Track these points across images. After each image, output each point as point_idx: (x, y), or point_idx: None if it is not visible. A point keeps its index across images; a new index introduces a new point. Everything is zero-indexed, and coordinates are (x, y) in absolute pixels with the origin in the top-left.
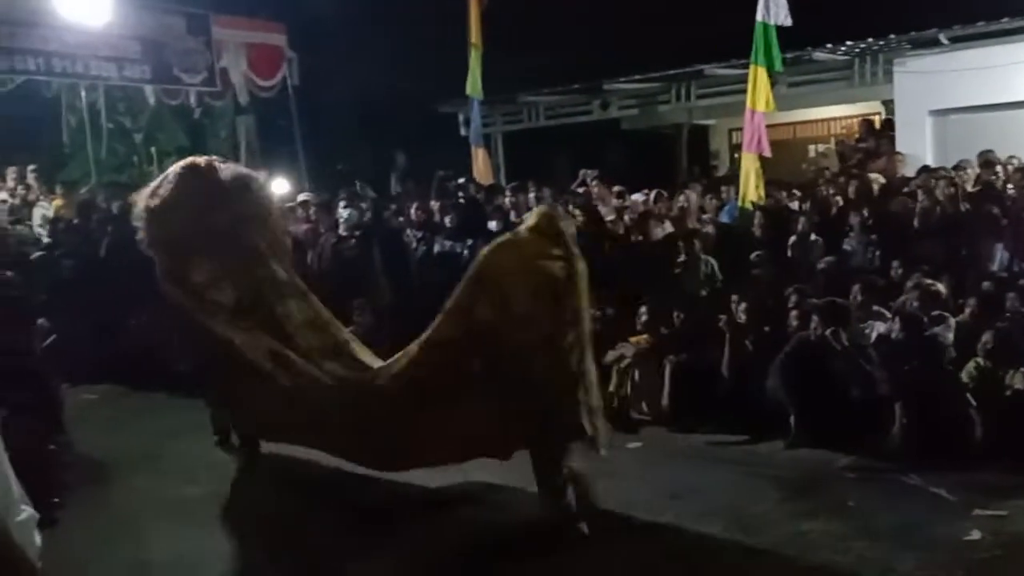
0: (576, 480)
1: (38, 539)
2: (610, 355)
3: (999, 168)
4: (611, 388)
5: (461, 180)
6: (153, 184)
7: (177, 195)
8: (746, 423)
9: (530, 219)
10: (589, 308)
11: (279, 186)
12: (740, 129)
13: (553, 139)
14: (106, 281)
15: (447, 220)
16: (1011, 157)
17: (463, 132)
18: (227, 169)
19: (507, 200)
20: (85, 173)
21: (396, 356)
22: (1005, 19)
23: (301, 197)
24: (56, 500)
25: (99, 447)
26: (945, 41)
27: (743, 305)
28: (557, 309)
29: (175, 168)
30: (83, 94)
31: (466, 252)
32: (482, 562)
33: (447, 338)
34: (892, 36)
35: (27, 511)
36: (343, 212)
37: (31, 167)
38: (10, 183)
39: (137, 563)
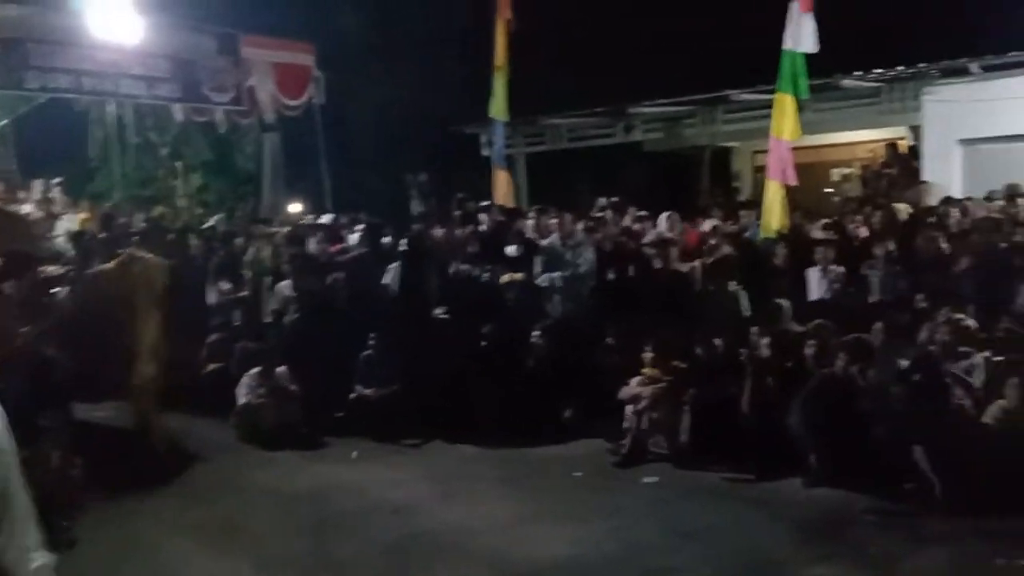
0: None
1: None
2: (624, 392)
3: (1021, 200)
4: (626, 425)
5: (484, 204)
6: None
7: None
8: (765, 461)
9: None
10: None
11: (293, 206)
12: (763, 152)
13: (576, 160)
14: None
15: (468, 245)
16: None
17: (485, 153)
18: None
19: (529, 224)
20: (111, 187)
21: None
22: None
23: (323, 219)
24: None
25: None
26: (976, 70)
27: (765, 339)
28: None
29: None
30: (110, 108)
31: (486, 277)
32: None
33: None
34: (922, 64)
35: (42, 558)
36: (354, 237)
37: (56, 180)
38: (36, 196)
39: None
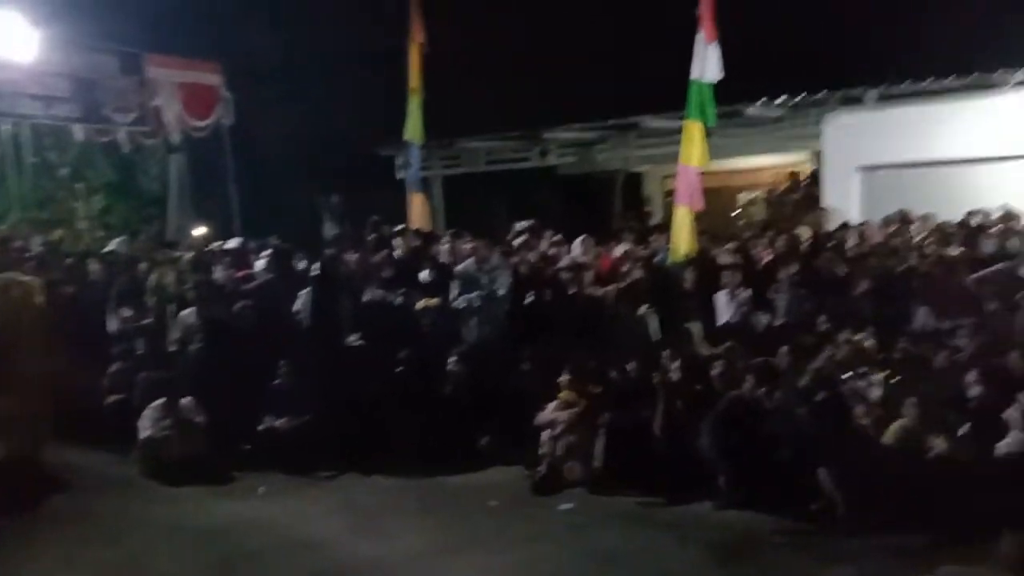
0: None
1: None
2: (541, 417)
3: (915, 225)
4: (542, 451)
5: (398, 228)
6: None
7: None
8: (678, 484)
9: None
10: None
11: (200, 230)
12: (672, 176)
13: (493, 183)
14: None
15: (383, 270)
16: (928, 215)
17: (401, 175)
18: None
19: (444, 248)
20: (7, 209)
21: None
22: (931, 79)
23: (230, 244)
24: None
25: None
26: (872, 99)
27: (676, 363)
28: None
29: None
30: (5, 127)
31: (400, 302)
32: None
33: None
34: (822, 93)
35: None
36: (261, 262)
37: None
38: None
39: None
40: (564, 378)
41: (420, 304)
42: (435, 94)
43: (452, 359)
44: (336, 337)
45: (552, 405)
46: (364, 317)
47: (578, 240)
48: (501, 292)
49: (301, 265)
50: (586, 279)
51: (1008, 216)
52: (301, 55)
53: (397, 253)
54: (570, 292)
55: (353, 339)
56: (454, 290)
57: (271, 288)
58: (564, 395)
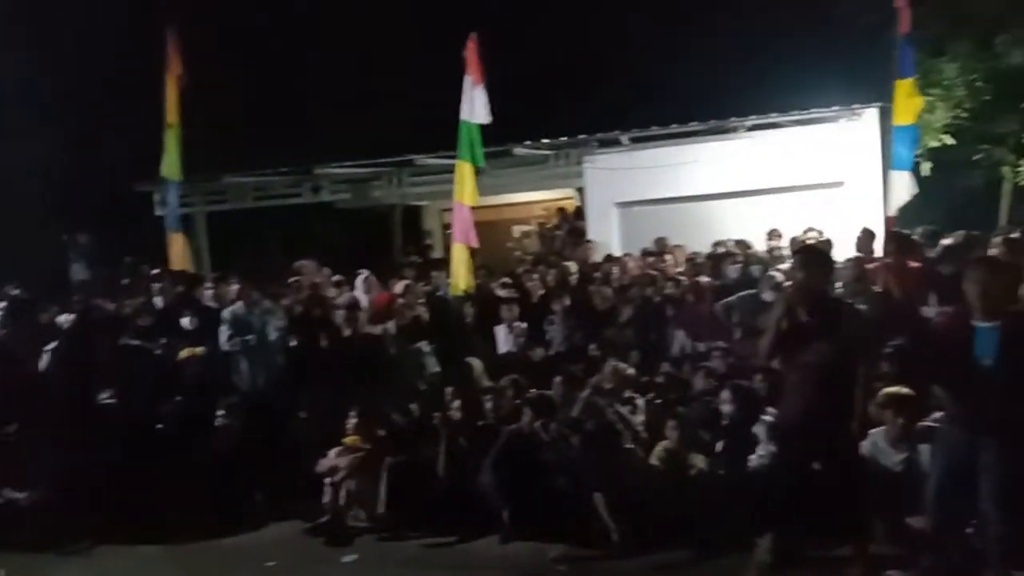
0: None
1: None
2: (321, 465)
3: (669, 256)
4: (324, 500)
5: (156, 271)
6: None
7: None
8: (464, 522)
9: None
10: None
11: None
12: (450, 210)
13: (263, 218)
14: None
15: (140, 317)
16: (679, 246)
17: (160, 212)
18: None
19: (208, 292)
20: None
21: None
22: (674, 125)
23: None
24: None
25: None
26: (626, 141)
27: (457, 400)
28: None
29: None
30: None
31: (159, 352)
32: None
33: None
34: (582, 135)
35: None
36: None
37: None
38: None
39: None
40: (348, 422)
41: (183, 353)
42: (201, 129)
43: (221, 411)
44: (87, 395)
45: (333, 451)
46: (119, 371)
47: (359, 278)
48: (274, 336)
49: (44, 315)
50: (366, 317)
51: (744, 245)
52: (50, 88)
53: (156, 298)
54: (349, 332)
55: (106, 396)
56: (222, 336)
57: (9, 343)
58: (346, 440)
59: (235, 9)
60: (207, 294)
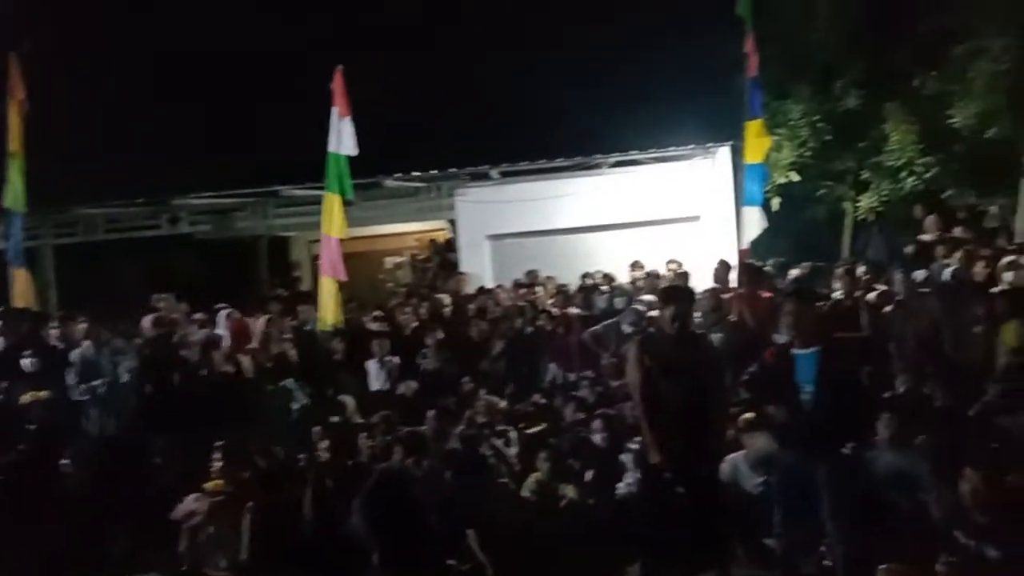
0: None
1: None
2: (178, 511)
3: (540, 288)
4: (182, 548)
5: None
6: None
7: None
8: (332, 566)
9: None
10: None
11: None
12: (319, 241)
13: (118, 251)
14: None
15: None
16: (549, 277)
17: (0, 246)
18: None
19: (54, 332)
20: None
21: None
22: (542, 160)
23: None
24: None
25: None
26: (496, 175)
27: (326, 439)
28: None
29: None
30: None
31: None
32: None
33: None
34: (452, 169)
35: None
36: None
37: None
38: None
39: None
40: (212, 465)
41: (26, 397)
42: (48, 157)
43: (67, 459)
44: None
45: (191, 496)
46: None
47: (220, 313)
48: (126, 377)
49: None
50: (228, 355)
51: (609, 278)
52: None
53: None
54: (208, 371)
55: None
56: (71, 381)
57: None
58: (210, 484)
59: (86, 31)
60: (53, 334)
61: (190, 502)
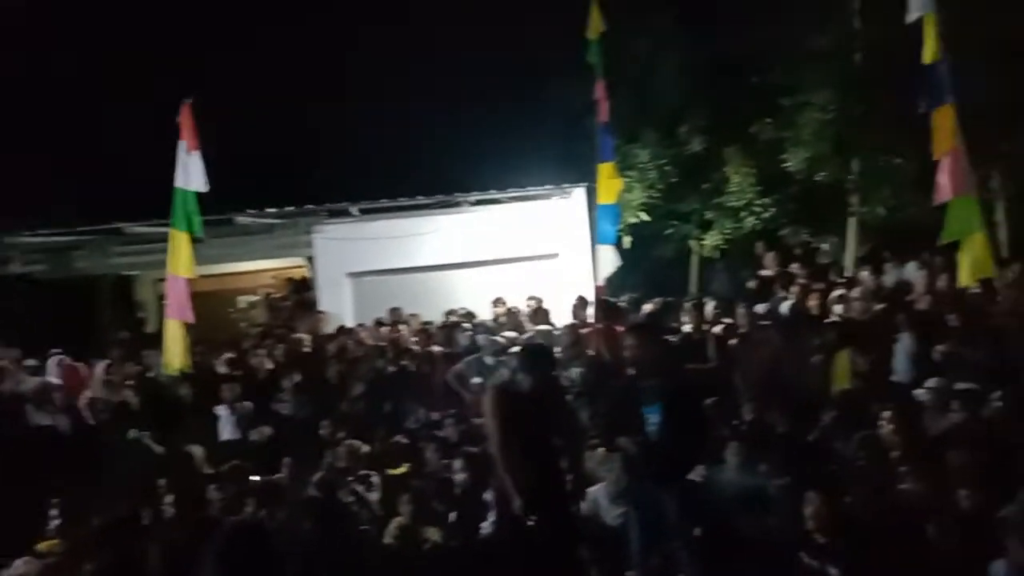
0: None
1: None
2: None
3: (403, 327)
4: None
5: None
6: None
7: None
8: None
9: None
10: None
11: None
12: (165, 280)
13: None
14: None
15: None
16: (413, 315)
17: None
18: None
19: None
20: None
21: None
22: (403, 198)
23: None
24: None
25: None
26: (355, 212)
27: (172, 494)
28: None
29: None
30: None
31: None
32: None
33: None
34: (310, 205)
35: None
36: None
37: None
38: None
39: None
40: (46, 525)
41: None
42: None
43: None
44: None
45: (20, 560)
46: None
47: (51, 359)
48: None
49: None
50: (62, 404)
51: (471, 315)
52: None
53: None
54: (43, 422)
55: None
56: None
57: None
58: (41, 545)
59: None
60: None
61: (19, 566)
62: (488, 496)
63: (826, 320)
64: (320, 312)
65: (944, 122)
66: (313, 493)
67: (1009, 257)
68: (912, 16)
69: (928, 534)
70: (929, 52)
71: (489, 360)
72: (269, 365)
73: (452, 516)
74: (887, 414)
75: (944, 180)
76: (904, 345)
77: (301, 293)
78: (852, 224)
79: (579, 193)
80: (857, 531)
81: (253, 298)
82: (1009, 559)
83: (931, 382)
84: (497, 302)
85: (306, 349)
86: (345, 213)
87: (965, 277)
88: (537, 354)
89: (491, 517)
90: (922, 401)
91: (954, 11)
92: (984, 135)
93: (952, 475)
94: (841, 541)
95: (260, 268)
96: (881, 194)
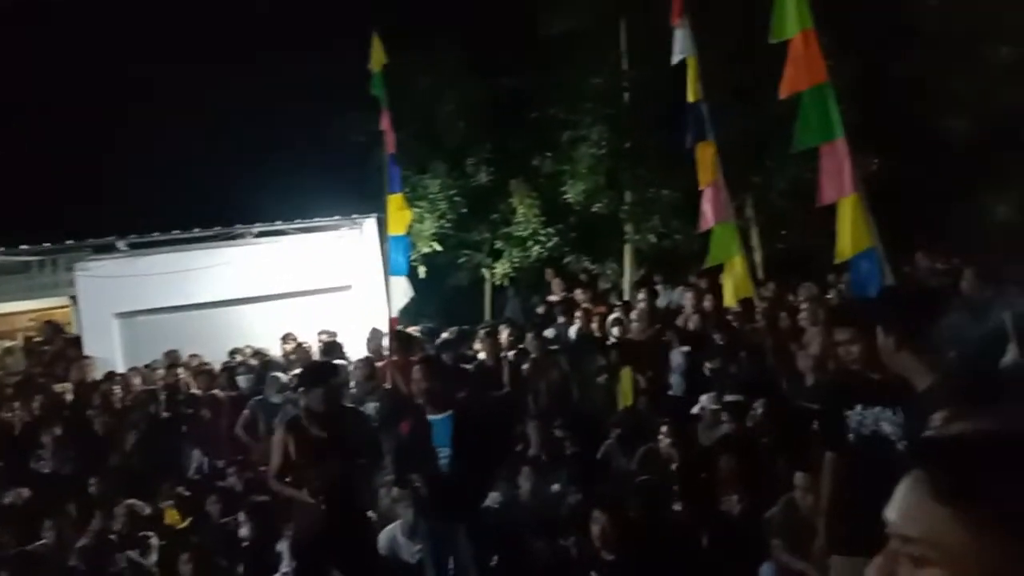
0: None
1: None
2: None
3: (182, 369)
4: None
5: None
6: None
7: None
8: None
9: None
10: None
11: None
12: None
13: None
14: None
15: None
16: (194, 355)
17: None
18: None
19: None
20: None
21: None
22: (177, 231)
23: None
24: None
25: None
26: (124, 247)
27: None
28: None
29: None
30: None
31: None
32: None
33: None
34: (71, 241)
35: None
36: None
37: None
38: None
39: None
40: None
41: None
42: None
43: None
44: None
45: None
46: None
47: None
48: None
49: None
50: None
51: (261, 353)
52: None
53: None
54: None
55: None
56: None
57: None
58: None
59: None
60: None
61: None
62: (281, 546)
63: (607, 342)
64: (85, 357)
65: (706, 156)
66: (76, 563)
67: (764, 278)
68: (676, 58)
69: (702, 542)
70: (691, 92)
71: (276, 399)
72: (26, 419)
73: (238, 572)
74: (664, 428)
75: (707, 209)
76: (677, 362)
77: (64, 337)
78: (628, 251)
79: (370, 224)
80: (641, 547)
81: (8, 344)
82: (773, 559)
83: (704, 397)
84: (287, 338)
85: (68, 399)
86: (112, 248)
87: (728, 298)
88: (318, 370)
89: (283, 567)
90: (696, 414)
91: (712, 55)
92: (738, 168)
93: (723, 482)
94: (628, 558)
95: (16, 310)
96: (651, 223)
